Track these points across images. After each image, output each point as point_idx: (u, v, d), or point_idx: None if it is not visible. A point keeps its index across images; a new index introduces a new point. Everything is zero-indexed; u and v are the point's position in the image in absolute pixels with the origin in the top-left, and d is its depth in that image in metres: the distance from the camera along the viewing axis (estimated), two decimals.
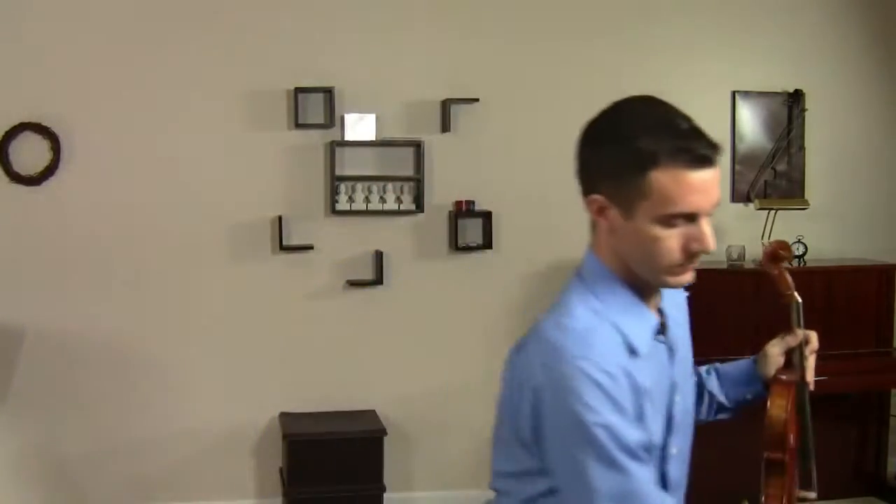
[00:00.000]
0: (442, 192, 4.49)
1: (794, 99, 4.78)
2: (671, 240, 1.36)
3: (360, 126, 4.37)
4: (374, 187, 4.42)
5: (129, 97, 4.25)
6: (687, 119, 1.41)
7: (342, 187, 4.41)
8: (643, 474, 1.35)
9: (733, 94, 4.74)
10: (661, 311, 1.53)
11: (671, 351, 1.52)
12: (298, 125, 4.35)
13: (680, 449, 1.54)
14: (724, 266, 4.51)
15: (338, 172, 4.38)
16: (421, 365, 4.47)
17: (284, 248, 4.35)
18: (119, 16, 4.24)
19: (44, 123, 4.18)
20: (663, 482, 1.50)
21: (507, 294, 4.48)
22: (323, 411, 4.37)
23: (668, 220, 1.35)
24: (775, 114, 4.80)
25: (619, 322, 1.42)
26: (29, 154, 4.18)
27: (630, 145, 1.36)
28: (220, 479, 4.39)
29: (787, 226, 4.60)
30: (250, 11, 4.34)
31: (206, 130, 4.33)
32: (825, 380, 4.26)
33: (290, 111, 4.36)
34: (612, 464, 1.32)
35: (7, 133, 4.15)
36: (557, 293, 1.51)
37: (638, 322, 1.44)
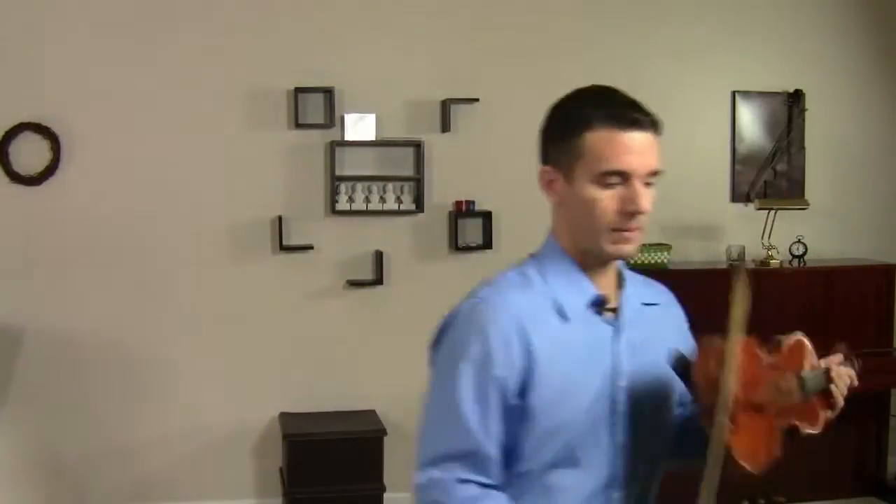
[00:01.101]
0: (442, 192, 4.49)
1: (794, 99, 4.78)
2: (606, 200, 1.45)
3: (360, 126, 4.37)
4: (374, 187, 4.42)
5: (129, 97, 4.26)
6: (627, 97, 1.50)
7: (342, 187, 4.41)
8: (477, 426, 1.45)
9: (733, 94, 4.74)
10: (620, 298, 1.58)
11: (616, 332, 1.53)
12: (298, 125, 4.35)
13: (635, 440, 1.53)
14: (725, 266, 4.51)
15: (338, 172, 4.38)
16: (421, 365, 4.42)
17: (284, 248, 4.35)
18: (119, 16, 4.24)
19: (44, 123, 4.18)
20: (608, 472, 1.52)
21: None
22: (323, 411, 4.36)
23: (603, 180, 1.45)
24: (775, 114, 4.80)
25: (554, 286, 1.51)
26: (29, 154, 4.18)
27: (570, 113, 1.49)
28: (220, 479, 4.38)
29: (787, 226, 4.60)
30: (250, 11, 4.34)
31: (207, 130, 4.33)
32: None
33: (290, 111, 4.36)
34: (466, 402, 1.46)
35: (7, 133, 4.15)
36: None
37: (573, 290, 1.52)
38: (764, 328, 4.63)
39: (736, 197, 4.79)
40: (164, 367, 4.33)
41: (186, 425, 4.36)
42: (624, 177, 1.45)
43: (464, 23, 4.51)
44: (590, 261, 1.53)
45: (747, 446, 1.47)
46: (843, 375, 1.57)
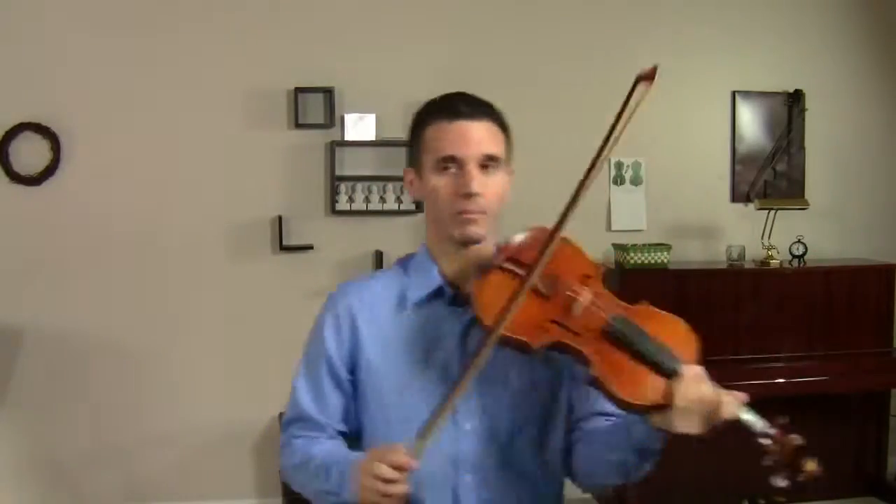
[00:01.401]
0: None
1: (794, 99, 4.78)
2: (445, 186, 1.58)
3: (360, 126, 4.37)
4: (374, 187, 4.42)
5: (129, 97, 4.26)
6: (465, 94, 1.65)
7: (342, 187, 4.41)
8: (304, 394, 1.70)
9: (733, 94, 4.73)
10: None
11: (464, 319, 1.60)
12: (298, 125, 4.35)
13: (482, 427, 1.58)
14: (725, 266, 4.51)
15: (338, 172, 4.38)
16: None
17: (284, 248, 4.35)
18: (119, 16, 4.24)
19: (44, 123, 4.18)
20: (452, 456, 1.57)
21: None
22: None
23: (440, 167, 1.58)
24: (775, 114, 4.80)
25: (411, 279, 1.66)
26: (29, 154, 4.18)
27: (416, 117, 1.67)
28: (220, 479, 4.39)
29: (787, 226, 4.60)
30: (251, 11, 4.34)
31: (206, 130, 4.33)
32: (825, 380, 4.31)
33: (290, 111, 4.36)
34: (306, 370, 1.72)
35: (7, 133, 4.15)
36: None
37: (422, 282, 1.65)
38: (764, 328, 4.61)
39: (736, 197, 4.79)
40: (164, 367, 4.33)
41: (186, 425, 4.36)
42: (458, 162, 1.58)
43: (464, 23, 4.51)
44: (449, 248, 1.64)
45: (489, 299, 1.50)
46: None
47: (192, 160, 4.33)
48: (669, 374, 1.44)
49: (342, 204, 4.40)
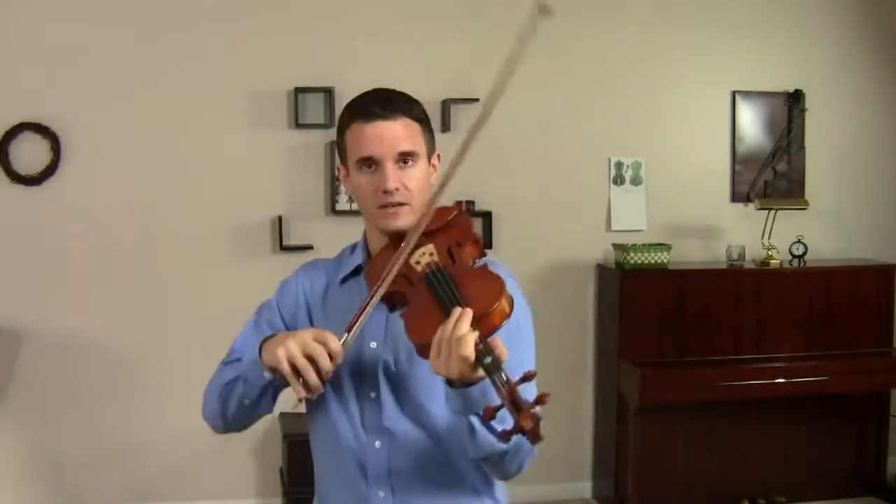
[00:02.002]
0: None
1: (794, 99, 4.78)
2: (366, 184, 1.68)
3: None
4: None
5: (129, 97, 4.26)
6: (381, 92, 1.74)
7: (342, 187, 4.41)
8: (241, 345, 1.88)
9: (733, 94, 4.73)
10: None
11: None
12: (298, 125, 4.35)
13: (395, 398, 1.67)
14: (725, 266, 4.51)
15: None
16: None
17: (284, 248, 4.35)
18: (119, 15, 4.24)
19: (44, 123, 4.18)
20: (359, 419, 1.70)
21: None
22: None
23: (360, 166, 1.68)
24: (775, 114, 4.80)
25: (345, 260, 1.84)
26: (29, 154, 4.18)
27: (340, 117, 1.76)
28: (220, 479, 4.39)
29: (787, 226, 4.60)
30: (251, 11, 4.34)
31: (206, 130, 4.33)
32: (825, 380, 4.31)
33: (290, 111, 4.36)
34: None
35: (7, 133, 4.15)
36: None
37: (350, 262, 1.82)
38: (764, 328, 4.63)
39: (736, 197, 4.79)
40: (164, 367, 4.32)
41: (186, 425, 4.34)
42: (375, 162, 1.67)
43: (464, 23, 4.51)
44: (379, 237, 1.74)
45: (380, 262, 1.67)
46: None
47: (193, 160, 4.33)
48: (446, 314, 1.47)
49: (342, 204, 4.40)
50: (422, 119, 1.75)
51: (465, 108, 4.42)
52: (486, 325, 1.45)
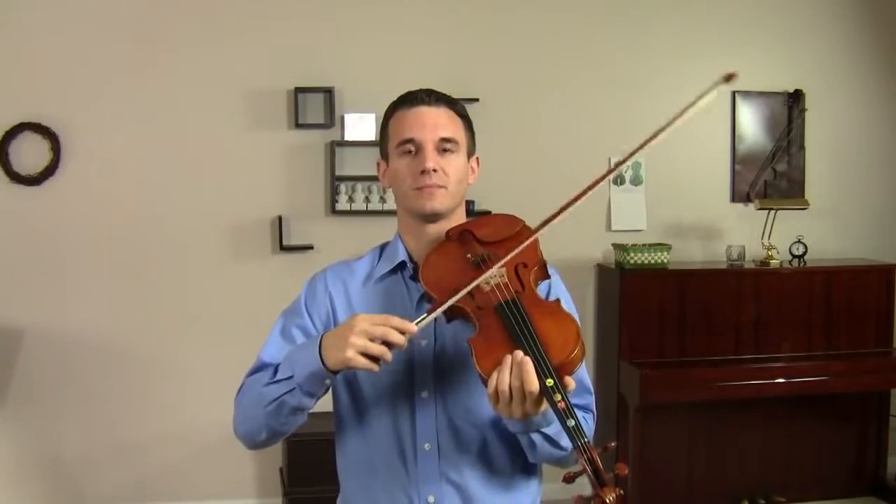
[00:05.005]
0: None
1: (794, 99, 4.79)
2: (405, 167, 1.70)
3: (360, 126, 4.37)
4: (374, 187, 4.42)
5: (129, 97, 4.26)
6: (425, 89, 1.78)
7: (342, 187, 4.41)
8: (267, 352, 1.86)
9: (733, 94, 4.74)
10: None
11: (420, 291, 1.69)
12: (298, 125, 4.35)
13: (439, 396, 1.66)
14: (725, 266, 4.51)
15: (338, 172, 4.38)
16: None
17: (284, 248, 4.35)
18: (119, 16, 4.24)
19: (44, 123, 4.18)
20: (408, 420, 1.67)
21: None
22: (323, 411, 4.33)
23: (401, 150, 1.71)
24: (775, 114, 4.80)
25: (379, 258, 1.81)
26: (29, 154, 4.18)
27: (385, 112, 1.83)
28: (220, 479, 4.39)
29: (787, 226, 4.60)
30: (251, 11, 4.34)
31: (206, 130, 4.33)
32: (825, 380, 4.31)
33: (290, 111, 4.36)
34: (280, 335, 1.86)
35: (7, 133, 4.16)
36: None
37: (389, 258, 1.79)
38: (764, 328, 4.64)
39: (736, 197, 4.79)
40: (164, 367, 4.33)
41: (187, 425, 4.36)
42: (416, 144, 1.69)
43: (464, 23, 4.51)
44: (414, 226, 1.74)
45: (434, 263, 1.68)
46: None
47: (193, 160, 4.33)
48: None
49: (342, 204, 4.40)
50: (464, 116, 1.79)
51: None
52: (562, 372, 1.44)
